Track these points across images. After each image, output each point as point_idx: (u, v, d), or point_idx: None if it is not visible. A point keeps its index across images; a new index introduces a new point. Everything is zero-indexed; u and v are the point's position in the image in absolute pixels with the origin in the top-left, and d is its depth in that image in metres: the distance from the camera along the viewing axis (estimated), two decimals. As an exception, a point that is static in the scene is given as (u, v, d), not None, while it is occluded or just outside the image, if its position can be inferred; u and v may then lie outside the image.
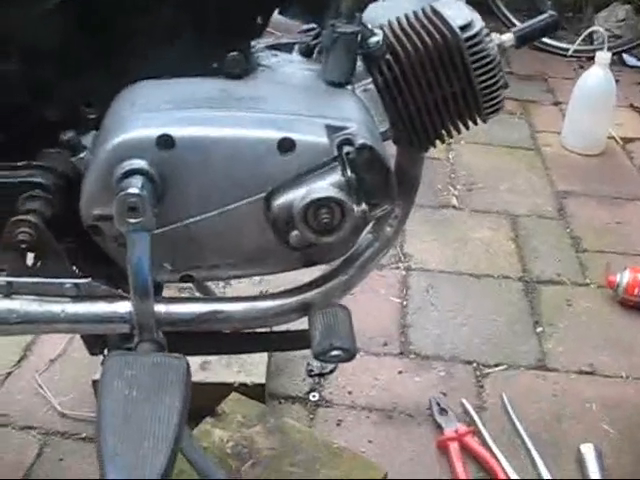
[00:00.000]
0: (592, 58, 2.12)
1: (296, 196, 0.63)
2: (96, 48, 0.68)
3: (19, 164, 0.67)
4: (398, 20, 0.73)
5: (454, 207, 1.68)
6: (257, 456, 0.97)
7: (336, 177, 0.63)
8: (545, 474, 1.03)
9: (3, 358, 1.22)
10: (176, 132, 0.61)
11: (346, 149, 0.64)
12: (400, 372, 1.23)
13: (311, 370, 1.20)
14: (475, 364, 1.25)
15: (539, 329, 1.33)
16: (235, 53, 0.68)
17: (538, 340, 1.31)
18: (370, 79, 0.71)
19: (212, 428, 1.00)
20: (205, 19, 0.68)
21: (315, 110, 0.66)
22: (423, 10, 0.74)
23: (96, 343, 0.76)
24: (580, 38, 1.99)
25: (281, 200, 0.63)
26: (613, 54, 2.46)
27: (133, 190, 0.58)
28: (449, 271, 1.48)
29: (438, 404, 1.14)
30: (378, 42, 0.71)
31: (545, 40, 2.65)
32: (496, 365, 1.25)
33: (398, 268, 1.46)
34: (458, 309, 1.38)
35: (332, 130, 0.64)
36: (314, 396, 1.16)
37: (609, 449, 1.08)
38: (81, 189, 0.64)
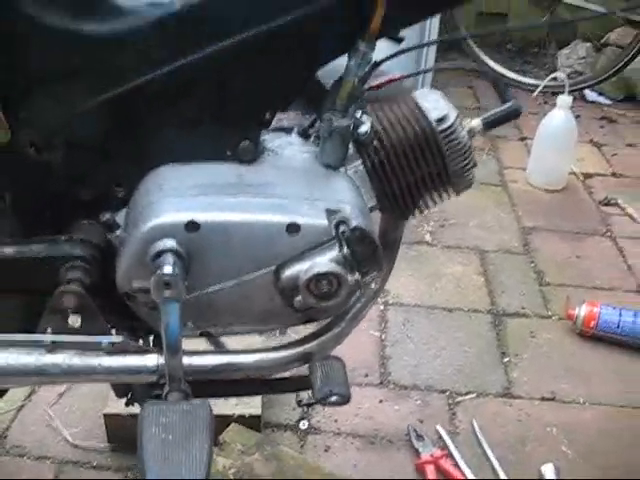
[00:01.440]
0: (556, 93, 2.29)
1: (301, 270, 0.75)
2: (127, 138, 0.80)
3: (62, 238, 0.78)
4: (384, 110, 0.86)
5: (427, 243, 1.82)
6: (256, 482, 1.08)
7: (334, 253, 0.75)
8: (511, 493, 1.16)
9: (15, 392, 1.31)
10: (201, 217, 0.73)
11: (342, 228, 0.76)
12: (381, 401, 1.36)
13: (300, 400, 1.31)
14: (448, 393, 1.38)
15: (505, 359, 1.47)
16: (246, 142, 0.81)
17: (505, 370, 1.44)
18: (360, 161, 0.84)
19: (215, 456, 1.11)
20: (221, 113, 0.80)
21: (315, 194, 0.78)
22: (405, 101, 0.87)
23: (123, 388, 0.88)
24: (544, 83, 2.15)
25: (288, 273, 0.76)
26: (575, 90, 2.66)
27: (167, 269, 0.70)
28: (423, 305, 1.61)
29: (415, 431, 1.27)
30: (367, 131, 0.83)
31: (512, 76, 2.83)
32: (467, 393, 1.38)
33: (377, 303, 1.59)
34: (432, 341, 1.51)
35: (330, 213, 0.76)
36: (304, 424, 1.28)
37: (567, 468, 1.22)
38: (117, 262, 0.76)
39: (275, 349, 0.85)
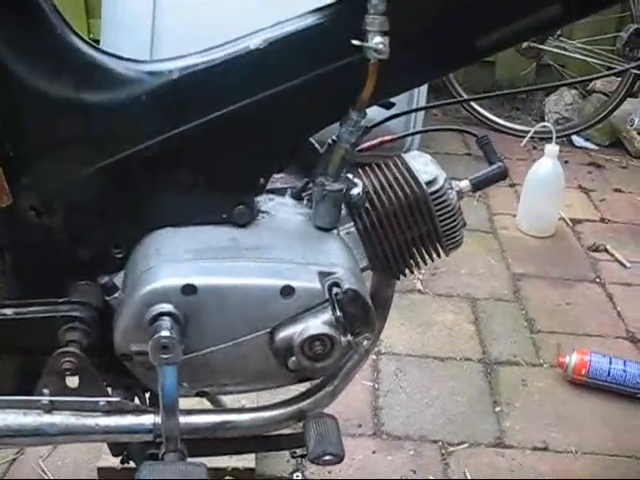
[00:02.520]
0: (544, 139, 2.33)
1: (295, 331, 0.77)
2: (125, 202, 0.83)
3: (60, 300, 0.80)
4: (375, 172, 0.89)
5: (419, 291, 1.84)
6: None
7: (327, 316, 0.77)
8: None
9: (8, 444, 1.31)
10: (198, 281, 0.75)
11: (335, 290, 0.78)
12: (374, 452, 1.36)
13: (294, 452, 1.32)
14: (440, 443, 1.39)
15: (497, 408, 1.48)
16: (241, 207, 0.83)
17: (497, 419, 1.45)
18: (352, 223, 0.87)
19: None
20: (216, 179, 0.82)
21: (309, 257, 0.81)
22: (395, 163, 0.90)
23: (119, 446, 0.88)
24: (532, 131, 2.20)
25: (282, 335, 0.78)
26: (562, 136, 2.71)
27: (165, 333, 0.72)
28: (416, 354, 1.63)
29: (409, 483, 1.27)
30: (359, 194, 0.86)
31: (501, 122, 2.88)
32: (459, 443, 1.39)
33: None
34: (424, 391, 1.52)
35: (323, 275, 0.79)
36: (297, 476, 1.29)
37: (561, 521, 1.23)
38: (115, 324, 0.78)
39: (269, 407, 0.86)
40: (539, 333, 1.72)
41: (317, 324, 0.77)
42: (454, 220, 0.88)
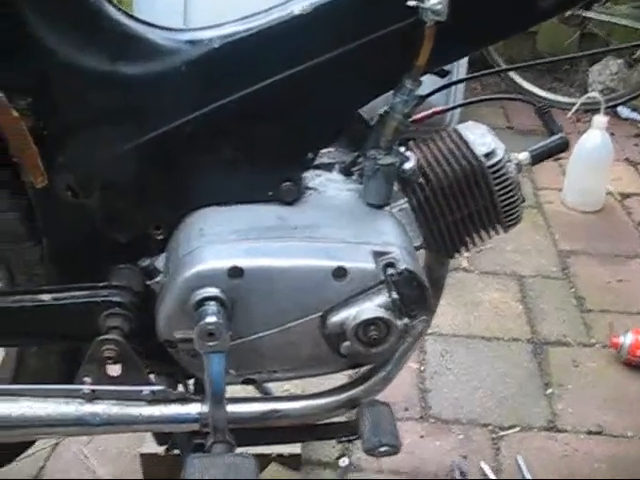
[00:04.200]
0: (589, 111, 2.23)
1: (348, 315, 0.73)
2: (165, 180, 0.78)
3: (100, 285, 0.76)
4: (428, 145, 0.83)
5: (465, 269, 1.78)
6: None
7: (382, 298, 0.73)
8: (561, 536, 1.11)
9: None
10: (244, 263, 0.71)
11: (390, 271, 0.73)
12: (422, 436, 1.32)
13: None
14: (491, 427, 1.34)
15: (549, 390, 1.42)
16: (288, 183, 0.78)
17: (548, 401, 1.40)
18: (405, 199, 0.82)
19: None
20: (262, 155, 0.78)
21: (361, 236, 0.76)
22: (450, 135, 0.84)
23: (163, 435, 0.85)
24: (579, 102, 2.11)
25: (335, 319, 0.73)
26: (608, 107, 2.60)
27: (211, 319, 0.68)
28: (462, 334, 1.57)
29: (459, 468, 1.22)
30: (412, 168, 0.81)
31: (542, 94, 2.78)
32: (510, 427, 1.33)
33: (415, 332, 1.55)
34: (472, 372, 1.47)
35: (377, 255, 0.74)
36: (344, 461, 1.25)
37: (618, 509, 1.17)
38: (157, 310, 0.74)
39: (321, 395, 0.82)
40: (590, 312, 1.66)
41: (372, 307, 0.73)
42: (514, 195, 0.83)
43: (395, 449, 0.75)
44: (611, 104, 2.66)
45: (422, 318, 0.77)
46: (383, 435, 0.75)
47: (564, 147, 0.87)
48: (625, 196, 2.18)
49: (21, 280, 0.78)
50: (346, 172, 0.85)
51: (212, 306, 0.69)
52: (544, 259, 1.86)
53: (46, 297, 0.75)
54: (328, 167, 0.86)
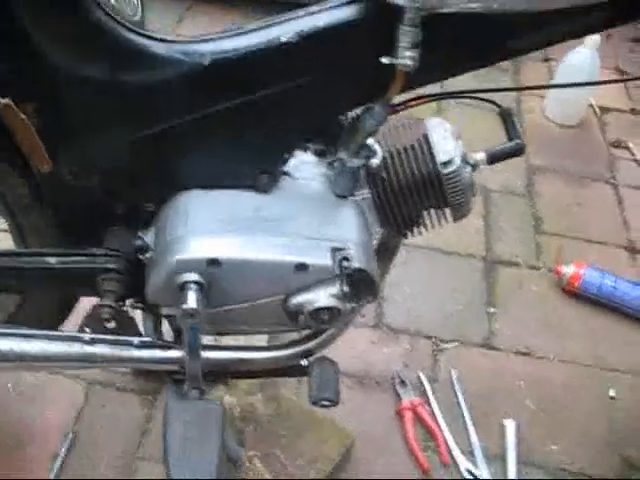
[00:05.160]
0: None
1: (305, 300, 0.87)
2: (155, 166, 0.89)
3: (98, 252, 0.89)
4: (395, 140, 0.93)
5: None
6: (258, 420, 1.27)
7: (335, 289, 0.87)
8: (475, 442, 1.34)
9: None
10: (221, 255, 0.84)
11: (345, 265, 0.87)
12: (373, 343, 1.51)
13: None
14: (434, 339, 1.53)
15: (491, 309, 1.60)
16: (264, 175, 0.89)
17: (488, 320, 1.58)
18: (368, 190, 0.93)
19: (224, 394, 1.29)
20: (244, 152, 0.88)
21: (323, 231, 0.88)
22: (416, 134, 0.93)
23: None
24: None
25: (294, 301, 0.88)
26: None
27: (191, 305, 0.82)
28: (424, 246, 1.71)
29: (399, 376, 1.43)
30: (378, 164, 0.91)
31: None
32: (450, 341, 1.53)
33: (381, 243, 1.71)
34: (426, 285, 1.64)
35: (335, 251, 0.87)
36: (304, 362, 1.44)
37: (528, 421, 1.40)
38: (147, 280, 0.87)
39: (281, 347, 0.99)
40: (544, 234, 1.80)
41: (326, 297, 0.87)
42: (464, 196, 0.94)
43: (334, 403, 0.93)
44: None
45: (368, 300, 0.91)
46: (326, 391, 0.93)
47: (520, 153, 0.97)
48: (605, 110, 2.23)
49: (32, 242, 0.90)
50: (320, 154, 0.95)
51: (192, 291, 0.83)
52: (512, 173, 1.96)
53: (52, 260, 0.88)
54: (303, 147, 0.96)
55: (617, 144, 2.11)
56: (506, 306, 1.62)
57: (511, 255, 1.74)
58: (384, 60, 0.74)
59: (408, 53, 0.74)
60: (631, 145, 2.10)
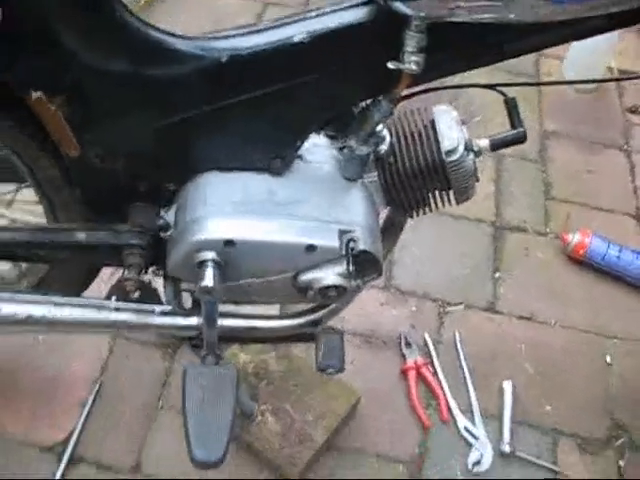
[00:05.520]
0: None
1: (314, 278, 0.94)
2: (176, 150, 0.94)
3: (122, 228, 0.96)
4: (403, 127, 0.98)
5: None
6: (270, 377, 1.36)
7: (342, 268, 0.93)
8: (474, 401, 1.43)
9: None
10: (237, 237, 0.90)
11: (351, 246, 0.93)
12: (382, 304, 1.59)
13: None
14: (440, 302, 1.60)
15: (497, 274, 1.67)
16: (278, 159, 0.95)
17: (494, 285, 1.65)
18: (376, 173, 0.99)
19: (239, 353, 1.38)
20: (257, 139, 0.93)
21: (332, 214, 0.94)
22: (423, 121, 0.98)
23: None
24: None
25: (303, 278, 0.94)
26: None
27: (208, 282, 0.89)
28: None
29: (405, 338, 1.51)
30: (386, 150, 0.97)
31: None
32: (456, 304, 1.60)
33: (393, 207, 1.76)
34: (435, 249, 1.70)
35: (343, 233, 0.93)
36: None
37: (525, 384, 1.47)
38: (168, 255, 0.95)
39: (292, 316, 1.06)
40: (553, 200, 1.84)
41: (333, 275, 0.93)
42: (467, 181, 1.00)
43: (340, 371, 1.01)
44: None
45: (373, 277, 0.98)
46: (331, 359, 1.01)
47: (522, 140, 1.02)
48: (624, 73, 2.23)
49: (61, 217, 0.98)
50: (330, 137, 1.00)
51: (210, 269, 0.90)
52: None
53: (81, 235, 0.96)
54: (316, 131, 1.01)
55: (634, 109, 2.11)
56: (511, 271, 1.68)
57: (519, 221, 1.79)
58: (390, 65, 0.79)
59: (414, 58, 0.78)
60: (647, 111, 2.10)
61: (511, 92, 2.11)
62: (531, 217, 1.80)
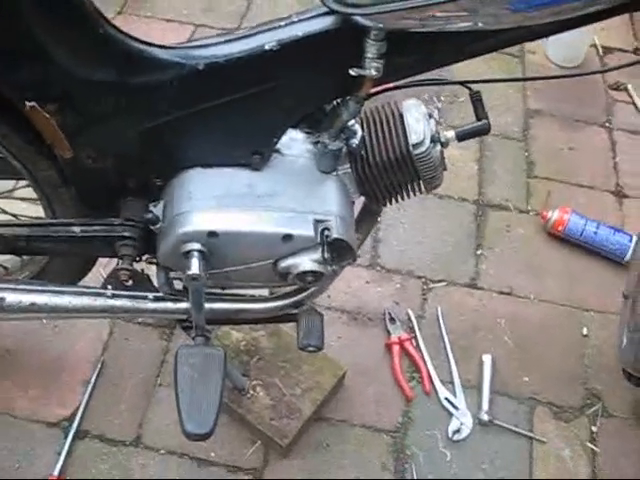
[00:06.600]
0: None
1: (292, 264, 1.02)
2: (162, 150, 1.02)
3: (115, 222, 1.04)
4: (375, 122, 1.05)
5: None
6: (261, 353, 1.44)
7: (317, 255, 1.01)
8: (455, 374, 1.51)
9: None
10: (219, 228, 0.98)
11: (326, 234, 1.00)
12: (367, 282, 1.66)
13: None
14: (423, 279, 1.67)
15: (479, 251, 1.74)
16: (257, 156, 1.02)
17: (476, 261, 1.72)
18: (349, 165, 1.06)
19: (230, 331, 1.46)
20: (238, 137, 1.00)
21: (308, 205, 1.01)
22: (393, 115, 1.05)
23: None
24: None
25: (283, 265, 1.02)
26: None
27: (195, 270, 0.97)
28: (420, 191, 1.84)
29: (389, 314, 1.59)
30: (357, 144, 1.04)
31: None
32: (439, 281, 1.67)
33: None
34: (419, 228, 1.77)
35: (318, 222, 1.00)
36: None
37: (505, 357, 1.55)
38: (158, 246, 1.02)
39: (274, 299, 1.14)
40: (535, 178, 1.90)
41: (310, 262, 1.01)
42: (434, 171, 1.07)
43: (319, 349, 1.09)
44: None
45: (348, 262, 1.06)
46: (312, 339, 1.09)
47: (486, 132, 1.09)
48: (608, 50, 2.27)
49: (58, 212, 1.06)
50: (306, 132, 1.07)
51: (195, 258, 0.98)
52: (510, 117, 2.04)
53: (76, 229, 1.03)
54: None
55: (616, 86, 2.16)
56: (493, 248, 1.75)
57: (502, 199, 1.85)
58: (352, 72, 0.85)
59: (374, 64, 0.85)
60: (630, 87, 2.15)
61: (496, 72, 2.16)
62: (513, 195, 1.86)
